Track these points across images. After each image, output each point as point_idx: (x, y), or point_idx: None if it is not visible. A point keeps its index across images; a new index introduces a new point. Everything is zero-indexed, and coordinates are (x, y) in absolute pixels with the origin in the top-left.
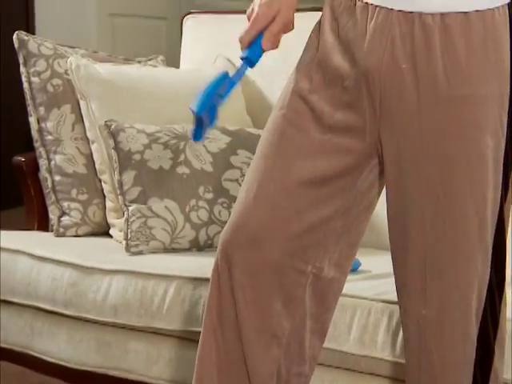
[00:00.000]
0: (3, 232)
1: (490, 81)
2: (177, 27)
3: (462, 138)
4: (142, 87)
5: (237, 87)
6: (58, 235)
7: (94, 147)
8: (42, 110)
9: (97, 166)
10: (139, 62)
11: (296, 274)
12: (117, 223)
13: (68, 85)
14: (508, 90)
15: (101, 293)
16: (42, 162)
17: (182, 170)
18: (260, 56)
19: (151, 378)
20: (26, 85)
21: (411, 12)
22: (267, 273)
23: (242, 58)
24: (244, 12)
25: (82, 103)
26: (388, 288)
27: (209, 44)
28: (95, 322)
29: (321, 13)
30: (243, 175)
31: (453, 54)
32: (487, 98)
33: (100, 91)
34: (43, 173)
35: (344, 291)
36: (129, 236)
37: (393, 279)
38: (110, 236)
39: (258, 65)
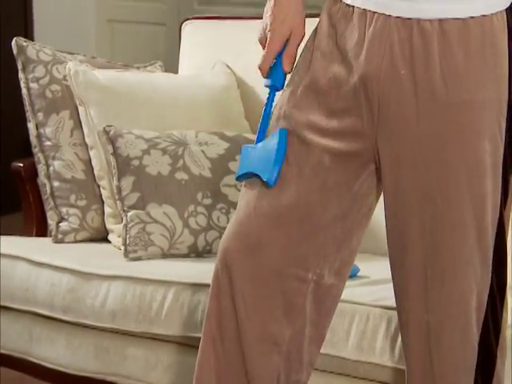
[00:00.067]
0: (2, 238)
1: (488, 86)
2: (175, 33)
3: (459, 143)
4: (140, 93)
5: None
6: (57, 241)
7: (92, 153)
8: (40, 115)
9: (95, 171)
10: (138, 67)
11: (297, 281)
12: (115, 229)
13: (67, 91)
14: (506, 96)
15: (99, 298)
16: (41, 168)
17: (181, 175)
18: (284, 79)
19: (149, 383)
20: (24, 91)
21: (409, 18)
22: (268, 280)
23: (266, 86)
24: (243, 18)
25: (80, 109)
26: (386, 294)
27: (207, 50)
28: (94, 328)
29: (318, 19)
30: None
31: (451, 59)
32: (485, 104)
33: (99, 97)
34: (42, 178)
35: (342, 297)
36: (127, 242)
37: (391, 285)
38: (109, 242)
39: (257, 70)
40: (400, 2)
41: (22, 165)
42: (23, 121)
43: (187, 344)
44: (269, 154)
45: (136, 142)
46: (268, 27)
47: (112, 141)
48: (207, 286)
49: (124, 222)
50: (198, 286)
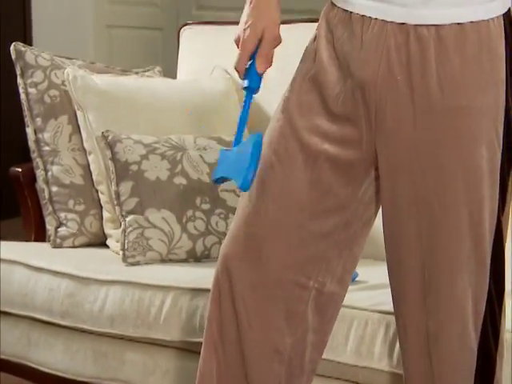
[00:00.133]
0: (2, 243)
1: (485, 92)
2: (174, 38)
3: (456, 149)
4: (139, 98)
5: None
6: (55, 246)
7: (90, 158)
8: (39, 120)
9: (94, 176)
10: (136, 72)
11: (298, 288)
12: (114, 234)
13: (65, 96)
14: (503, 101)
15: (97, 303)
16: (39, 173)
17: (179, 180)
18: (260, 80)
19: None
20: (23, 96)
21: (406, 24)
22: (268, 287)
23: (243, 89)
24: None
25: (79, 114)
26: (385, 299)
27: (206, 55)
28: (92, 333)
29: (316, 24)
30: None
31: (447, 65)
32: (482, 109)
33: (97, 102)
34: (40, 184)
35: None
36: (126, 246)
37: (390, 290)
38: (107, 247)
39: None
40: (397, 8)
41: (20, 170)
42: (22, 126)
43: (186, 349)
44: (244, 158)
45: (134, 146)
46: (241, 27)
47: (110, 146)
48: (206, 290)
49: (122, 226)
50: (196, 291)
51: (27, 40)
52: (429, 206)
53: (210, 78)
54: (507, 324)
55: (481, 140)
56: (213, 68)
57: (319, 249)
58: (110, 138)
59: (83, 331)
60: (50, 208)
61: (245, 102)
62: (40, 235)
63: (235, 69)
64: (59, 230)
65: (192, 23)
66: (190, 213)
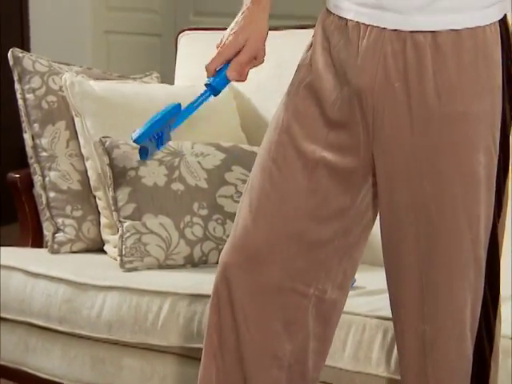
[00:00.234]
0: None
1: (481, 98)
2: (171, 44)
3: (454, 155)
4: (136, 104)
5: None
6: (53, 251)
7: (88, 164)
8: (36, 126)
9: (91, 182)
10: (134, 78)
11: (297, 296)
12: (111, 239)
13: (63, 101)
14: (500, 107)
15: (95, 309)
16: (37, 179)
17: (177, 186)
18: (225, 85)
19: None
20: (20, 102)
21: (403, 31)
22: (268, 294)
23: (205, 85)
24: None
25: (76, 120)
26: (383, 304)
27: (203, 61)
28: (89, 339)
29: (312, 30)
30: (238, 191)
31: (444, 72)
32: (479, 116)
33: (95, 108)
34: (38, 189)
35: None
36: (123, 252)
37: (387, 295)
38: (105, 252)
39: (253, 81)
40: (393, 15)
41: (18, 176)
42: (19, 131)
43: (183, 355)
44: (151, 121)
45: (132, 152)
46: (226, 33)
47: (108, 152)
48: (203, 296)
49: (120, 232)
50: (194, 297)
51: (25, 46)
52: (426, 211)
53: None
54: (506, 330)
55: (478, 146)
56: None
57: (319, 256)
58: (107, 143)
59: (81, 337)
60: (48, 214)
61: (200, 97)
62: (37, 241)
63: (205, 67)
64: (57, 235)
65: (190, 29)
66: (187, 218)
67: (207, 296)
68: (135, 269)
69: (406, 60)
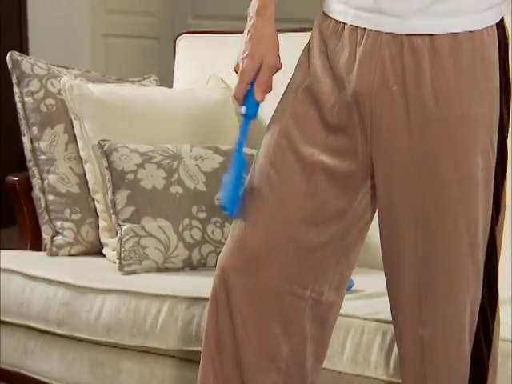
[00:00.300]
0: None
1: (479, 101)
2: (170, 47)
3: (452, 158)
4: (135, 107)
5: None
6: (51, 255)
7: (87, 167)
8: (35, 129)
9: (90, 185)
10: (132, 81)
11: (294, 299)
12: (110, 242)
13: (61, 105)
14: (498, 110)
15: (94, 312)
16: (35, 182)
17: (176, 189)
18: (257, 107)
19: None
20: (19, 105)
21: (400, 34)
22: (266, 298)
23: (241, 115)
24: (237, 32)
25: (75, 123)
26: (381, 307)
27: (202, 64)
28: (88, 342)
29: (309, 33)
30: None
31: (442, 75)
32: (477, 119)
33: (93, 111)
34: (36, 192)
35: None
36: (122, 255)
37: (386, 298)
38: (103, 255)
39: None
40: (391, 18)
41: (16, 179)
42: (18, 135)
43: (182, 358)
44: (229, 186)
45: (131, 155)
46: (240, 56)
47: (107, 155)
48: (202, 299)
49: (119, 235)
50: (192, 300)
51: (23, 49)
52: (425, 214)
53: (206, 87)
54: (506, 333)
55: (476, 149)
56: (209, 77)
57: (316, 259)
58: (106, 146)
59: (79, 340)
60: (46, 217)
61: (242, 128)
62: (36, 244)
63: (234, 96)
64: (55, 238)
65: (188, 32)
66: (186, 221)
67: (206, 299)
68: (134, 272)
69: (404, 64)
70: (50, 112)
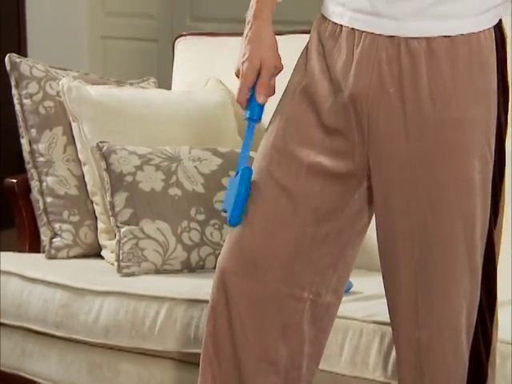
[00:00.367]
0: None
1: (476, 104)
2: (168, 49)
3: (449, 161)
4: (133, 109)
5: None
6: (50, 257)
7: (85, 169)
8: (33, 131)
9: (88, 187)
10: (131, 83)
11: (293, 301)
12: (108, 245)
13: (60, 107)
14: (495, 113)
15: (92, 314)
16: (34, 184)
17: (174, 191)
18: (261, 110)
19: None
20: (17, 107)
21: (397, 37)
22: (265, 300)
23: (245, 119)
24: (236, 34)
25: (73, 125)
26: (380, 309)
27: (200, 66)
28: (86, 344)
29: (307, 36)
30: None
31: (439, 78)
32: (474, 121)
33: (92, 113)
34: (35, 194)
35: None
36: (120, 257)
37: (384, 300)
38: (102, 257)
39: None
40: (388, 21)
41: (15, 181)
42: (16, 137)
43: (180, 360)
44: (232, 194)
45: (129, 157)
46: (240, 60)
47: (105, 157)
48: (200, 301)
49: (117, 237)
50: (191, 302)
51: (22, 51)
52: (422, 217)
53: (205, 89)
54: (506, 335)
55: (473, 152)
56: (207, 79)
57: (314, 260)
58: (104, 148)
59: (78, 342)
60: (45, 219)
61: (247, 132)
62: (34, 246)
63: (237, 101)
64: (54, 240)
65: (187, 34)
66: (184, 224)
67: (204, 301)
68: (132, 274)
69: (401, 66)
70: (49, 114)
